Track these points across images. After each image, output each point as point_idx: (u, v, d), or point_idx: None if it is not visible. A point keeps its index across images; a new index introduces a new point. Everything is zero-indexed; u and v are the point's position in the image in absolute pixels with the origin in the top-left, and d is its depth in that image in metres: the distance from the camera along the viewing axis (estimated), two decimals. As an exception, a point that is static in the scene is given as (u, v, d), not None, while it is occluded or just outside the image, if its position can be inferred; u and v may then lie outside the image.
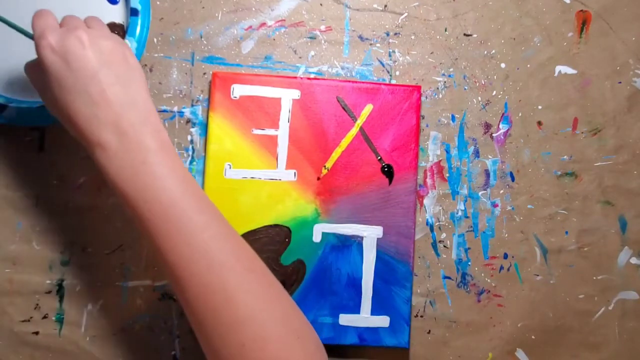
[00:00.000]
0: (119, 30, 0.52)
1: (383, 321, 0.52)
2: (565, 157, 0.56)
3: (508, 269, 0.55)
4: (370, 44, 0.55)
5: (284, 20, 0.54)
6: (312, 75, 0.54)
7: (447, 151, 0.55)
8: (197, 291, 0.37)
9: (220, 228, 0.39)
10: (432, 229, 0.54)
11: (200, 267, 0.37)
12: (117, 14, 0.52)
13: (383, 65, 0.55)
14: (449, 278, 0.54)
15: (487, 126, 0.55)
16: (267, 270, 0.40)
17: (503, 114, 0.55)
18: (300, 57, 0.54)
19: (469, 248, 0.55)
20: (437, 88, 0.55)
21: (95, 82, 0.38)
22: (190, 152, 0.53)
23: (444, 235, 0.55)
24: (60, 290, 0.52)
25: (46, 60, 0.39)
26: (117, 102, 0.38)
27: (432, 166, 0.55)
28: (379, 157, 0.53)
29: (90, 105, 0.38)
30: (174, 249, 0.37)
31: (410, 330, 0.52)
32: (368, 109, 0.53)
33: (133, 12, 0.51)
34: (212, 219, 0.39)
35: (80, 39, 0.39)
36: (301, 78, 0.53)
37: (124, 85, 0.39)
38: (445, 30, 0.55)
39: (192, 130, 0.53)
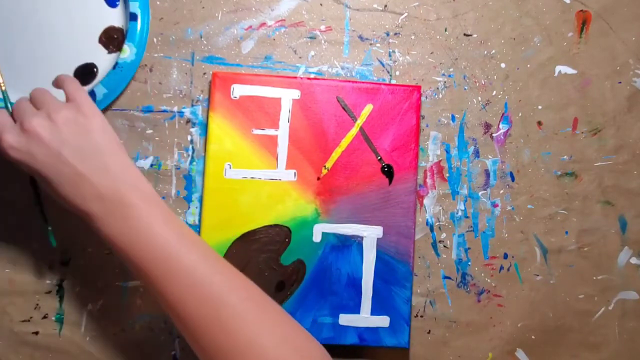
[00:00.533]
0: (118, 34, 0.52)
1: (383, 321, 0.52)
2: (565, 157, 0.56)
3: (508, 269, 0.55)
4: (370, 44, 0.55)
5: (284, 20, 0.54)
6: (312, 75, 0.54)
7: (447, 151, 0.55)
8: (195, 325, 0.39)
9: (211, 263, 0.41)
10: (432, 229, 0.54)
11: (196, 303, 0.39)
12: (116, 17, 0.52)
13: (383, 65, 0.55)
14: (449, 278, 0.54)
15: (487, 126, 0.55)
16: (263, 295, 0.41)
17: (503, 114, 0.55)
18: (300, 57, 0.54)
19: (469, 248, 0.55)
20: (437, 88, 0.55)
21: (63, 163, 0.40)
22: (190, 152, 0.53)
23: (444, 235, 0.55)
24: (60, 290, 0.52)
25: (14, 160, 0.41)
26: (91, 173, 0.40)
27: (432, 166, 0.55)
28: (379, 157, 0.53)
29: (69, 185, 0.40)
30: (171, 290, 0.39)
31: (410, 330, 0.52)
32: (368, 109, 0.53)
33: (132, 17, 0.51)
34: (203, 256, 0.41)
35: (34, 128, 0.40)
36: (301, 78, 0.53)
37: (91, 154, 0.41)
38: (445, 30, 0.55)
39: (192, 130, 0.53)
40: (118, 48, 0.52)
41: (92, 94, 0.50)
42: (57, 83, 0.45)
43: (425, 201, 0.55)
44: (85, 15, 0.52)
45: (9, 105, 0.44)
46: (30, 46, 0.51)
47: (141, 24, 0.51)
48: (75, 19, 0.52)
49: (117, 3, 0.52)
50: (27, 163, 0.40)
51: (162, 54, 0.53)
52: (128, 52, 0.51)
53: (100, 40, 0.52)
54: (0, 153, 0.41)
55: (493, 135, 0.55)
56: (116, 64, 0.50)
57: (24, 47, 0.51)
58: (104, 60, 0.52)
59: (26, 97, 0.44)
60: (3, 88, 0.46)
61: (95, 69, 0.52)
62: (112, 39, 0.52)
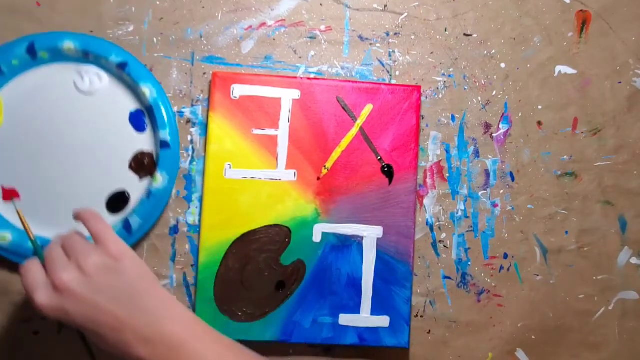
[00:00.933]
0: (148, 159, 0.51)
1: (383, 321, 0.52)
2: (565, 157, 0.56)
3: (508, 269, 0.55)
4: (370, 44, 0.55)
5: (284, 20, 0.54)
6: (312, 75, 0.54)
7: (447, 151, 0.55)
8: None
9: None
10: (432, 229, 0.54)
11: None
12: (144, 141, 0.51)
13: (383, 65, 0.55)
14: (449, 278, 0.54)
15: (487, 126, 0.55)
16: None
17: (503, 114, 0.55)
18: (300, 57, 0.54)
19: (469, 248, 0.55)
20: (437, 88, 0.55)
21: (100, 312, 0.39)
22: (190, 152, 0.53)
23: (444, 235, 0.55)
24: (60, 290, 0.52)
25: (50, 317, 0.39)
26: (130, 317, 0.39)
27: (432, 166, 0.55)
28: (379, 157, 0.53)
29: (111, 333, 0.39)
30: None
31: (410, 330, 0.52)
32: (368, 109, 0.53)
33: (163, 144, 0.50)
34: None
35: (65, 284, 0.39)
36: (301, 78, 0.53)
37: (127, 297, 0.40)
38: (445, 30, 0.55)
39: (192, 130, 0.53)
40: (149, 173, 0.51)
41: (127, 224, 0.50)
42: (78, 219, 0.44)
43: (425, 201, 0.55)
44: (114, 142, 0.51)
45: (40, 253, 0.43)
46: (61, 177, 0.51)
47: (172, 152, 0.51)
48: (104, 147, 0.51)
49: (145, 127, 0.51)
50: (64, 319, 0.39)
51: (162, 54, 0.53)
52: (160, 180, 0.50)
53: (131, 167, 0.51)
54: (36, 311, 0.40)
55: (493, 135, 0.55)
56: (149, 192, 0.50)
57: (55, 178, 0.51)
58: (135, 185, 0.51)
59: (59, 238, 0.43)
60: (32, 237, 0.45)
61: (127, 195, 0.51)
62: (142, 165, 0.51)
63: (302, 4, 0.55)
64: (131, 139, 0.51)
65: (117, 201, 0.51)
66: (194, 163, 0.53)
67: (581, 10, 0.56)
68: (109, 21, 0.52)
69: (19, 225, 0.49)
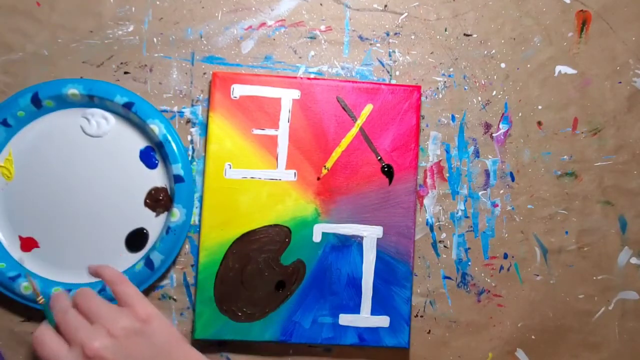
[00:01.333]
0: (162, 194, 0.51)
1: (383, 321, 0.52)
2: (565, 157, 0.56)
3: (508, 269, 0.55)
4: (370, 44, 0.55)
5: (284, 20, 0.54)
6: (312, 75, 0.54)
7: (447, 151, 0.55)
8: None
9: None
10: (432, 229, 0.54)
11: None
12: (157, 177, 0.51)
13: (383, 65, 0.55)
14: (449, 278, 0.54)
15: (487, 126, 0.55)
16: None
17: (503, 114, 0.55)
18: (300, 57, 0.54)
19: (469, 248, 0.55)
20: (437, 88, 0.55)
21: None
22: (190, 152, 0.53)
23: (444, 235, 0.55)
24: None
25: None
26: None
27: (432, 166, 0.55)
28: (379, 157, 0.53)
29: None
30: None
31: (410, 330, 0.52)
32: (368, 109, 0.53)
33: (177, 179, 0.50)
34: None
35: (98, 352, 0.39)
36: (301, 78, 0.53)
37: (155, 358, 0.40)
38: (445, 30, 0.55)
39: (192, 130, 0.53)
40: (165, 208, 0.51)
41: (148, 261, 0.50)
42: (101, 278, 0.44)
43: (425, 201, 0.55)
44: (126, 182, 0.51)
45: (50, 317, 0.42)
46: (78, 221, 0.51)
47: (187, 185, 0.51)
48: (118, 187, 0.51)
49: (157, 163, 0.52)
50: None
51: (162, 54, 0.53)
52: (178, 215, 0.50)
53: (146, 204, 0.51)
54: None
55: (493, 135, 0.55)
56: (168, 228, 0.50)
57: (71, 224, 0.51)
58: (152, 222, 0.51)
59: (66, 298, 0.43)
60: (41, 301, 0.44)
61: (145, 232, 0.51)
62: (157, 201, 0.51)
63: (302, 4, 0.55)
64: (143, 176, 0.51)
65: (136, 239, 0.51)
66: (194, 163, 0.53)
67: (581, 10, 0.56)
68: (109, 21, 0.52)
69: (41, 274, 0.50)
